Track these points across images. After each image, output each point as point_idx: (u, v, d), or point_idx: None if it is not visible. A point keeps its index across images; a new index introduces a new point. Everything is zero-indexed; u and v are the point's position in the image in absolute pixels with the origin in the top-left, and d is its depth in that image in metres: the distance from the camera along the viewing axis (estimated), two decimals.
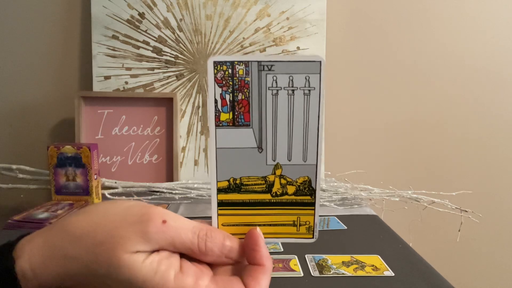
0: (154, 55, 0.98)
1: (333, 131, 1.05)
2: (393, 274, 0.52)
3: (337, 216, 0.76)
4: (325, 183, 0.89)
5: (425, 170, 1.08)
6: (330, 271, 0.53)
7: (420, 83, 1.06)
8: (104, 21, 0.97)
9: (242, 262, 0.31)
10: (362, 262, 0.55)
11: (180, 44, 0.98)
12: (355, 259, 0.57)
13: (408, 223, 0.96)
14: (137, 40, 0.97)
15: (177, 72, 0.99)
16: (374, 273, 0.52)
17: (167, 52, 0.98)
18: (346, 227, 0.70)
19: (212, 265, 0.30)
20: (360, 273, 0.53)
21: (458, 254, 1.11)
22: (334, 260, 0.56)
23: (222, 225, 0.32)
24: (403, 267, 0.54)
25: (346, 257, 0.57)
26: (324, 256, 0.57)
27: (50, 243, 0.28)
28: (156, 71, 0.98)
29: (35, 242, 0.28)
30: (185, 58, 0.99)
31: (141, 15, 0.97)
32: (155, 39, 0.98)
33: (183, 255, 0.29)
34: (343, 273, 0.52)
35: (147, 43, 0.98)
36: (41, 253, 0.27)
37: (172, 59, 0.98)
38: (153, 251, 0.27)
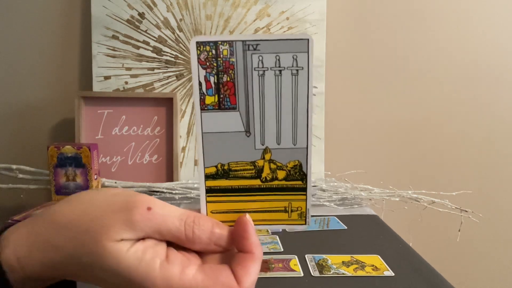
0: (154, 55, 0.98)
1: (333, 131, 1.05)
2: (393, 274, 0.52)
3: (337, 216, 0.76)
4: (325, 183, 0.89)
5: (425, 170, 1.08)
6: (330, 271, 0.53)
7: (420, 83, 1.06)
8: (104, 21, 0.97)
9: (232, 250, 0.30)
10: (362, 262, 0.55)
11: (180, 44, 0.98)
12: (355, 259, 0.56)
13: (408, 223, 0.96)
14: (137, 40, 0.97)
15: (177, 72, 0.99)
16: (374, 273, 0.52)
17: (167, 52, 0.98)
18: (346, 227, 0.70)
19: (200, 253, 0.30)
20: (360, 273, 0.53)
21: (458, 254, 1.11)
22: (334, 260, 0.56)
23: (211, 212, 0.31)
24: (403, 267, 0.54)
25: (346, 257, 0.57)
26: (324, 256, 0.57)
27: (35, 233, 0.27)
28: (156, 71, 0.98)
29: (20, 232, 0.28)
30: (185, 58, 0.99)
31: (141, 15, 0.97)
32: (155, 39, 0.98)
33: (171, 244, 0.28)
34: (343, 273, 0.52)
35: (147, 43, 0.98)
36: (26, 243, 0.27)
37: (172, 59, 0.98)
38: (138, 240, 0.27)
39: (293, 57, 0.29)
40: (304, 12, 0.97)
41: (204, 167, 0.31)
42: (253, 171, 0.31)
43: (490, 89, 1.06)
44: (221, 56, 0.29)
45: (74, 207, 0.28)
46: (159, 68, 0.98)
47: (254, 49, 0.29)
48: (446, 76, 1.06)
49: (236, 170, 0.31)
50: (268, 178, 0.31)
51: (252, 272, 0.28)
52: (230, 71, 0.29)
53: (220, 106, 0.30)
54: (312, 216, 0.58)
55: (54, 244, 0.27)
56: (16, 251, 0.27)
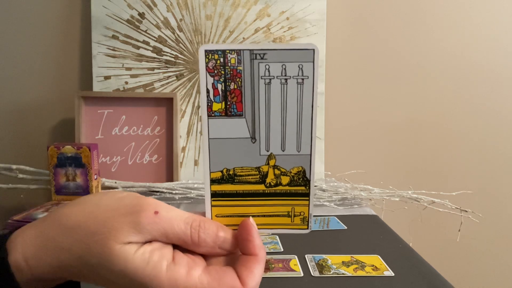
0: (154, 55, 0.98)
1: (333, 131, 1.05)
2: (393, 274, 0.52)
3: (337, 216, 0.76)
4: (325, 183, 0.89)
5: (425, 170, 1.08)
6: (330, 271, 0.53)
7: (420, 83, 1.06)
8: (104, 21, 0.97)
9: (236, 252, 0.31)
10: (362, 262, 0.55)
11: (180, 44, 0.98)
12: (355, 259, 0.57)
13: (408, 223, 0.96)
14: (137, 40, 0.97)
15: (177, 72, 0.99)
16: (374, 273, 0.52)
17: (167, 52, 0.98)
18: (346, 227, 0.70)
19: (205, 256, 0.30)
20: (360, 273, 0.53)
21: (458, 254, 1.11)
22: (334, 260, 0.56)
23: (216, 216, 0.32)
24: (403, 267, 0.54)
25: (346, 257, 0.57)
26: (324, 256, 0.57)
27: (43, 235, 0.28)
28: (156, 71, 0.98)
29: (28, 234, 0.28)
30: (185, 58, 0.99)
31: (141, 15, 0.97)
32: (155, 39, 0.98)
33: (176, 247, 0.29)
34: (343, 273, 0.52)
35: (147, 43, 0.98)
36: (34, 245, 0.27)
37: (172, 59, 0.98)
38: (145, 242, 0.27)
39: (298, 67, 0.30)
40: (304, 12, 0.98)
41: (210, 172, 0.32)
42: (258, 177, 0.32)
43: (490, 89, 1.06)
44: (229, 64, 0.30)
45: (82, 209, 0.28)
46: (159, 68, 0.98)
47: (261, 58, 0.30)
48: (446, 76, 1.06)
49: (241, 175, 0.32)
50: (272, 184, 0.32)
51: (256, 273, 0.29)
52: (237, 79, 0.30)
53: (227, 113, 0.31)
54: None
55: (62, 246, 0.27)
56: (24, 253, 0.27)
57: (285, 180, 0.32)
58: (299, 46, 0.29)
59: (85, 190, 0.79)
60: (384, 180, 0.97)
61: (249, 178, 0.32)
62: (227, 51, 0.30)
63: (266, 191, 0.32)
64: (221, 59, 0.30)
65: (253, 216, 0.32)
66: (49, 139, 1.04)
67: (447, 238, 1.06)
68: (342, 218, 0.75)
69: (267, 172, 0.32)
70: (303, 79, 0.30)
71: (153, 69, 0.98)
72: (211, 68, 0.30)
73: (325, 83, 1.00)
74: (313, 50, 0.29)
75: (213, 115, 0.31)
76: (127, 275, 0.26)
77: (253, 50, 0.30)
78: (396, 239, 0.65)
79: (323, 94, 0.99)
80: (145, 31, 0.97)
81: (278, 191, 0.32)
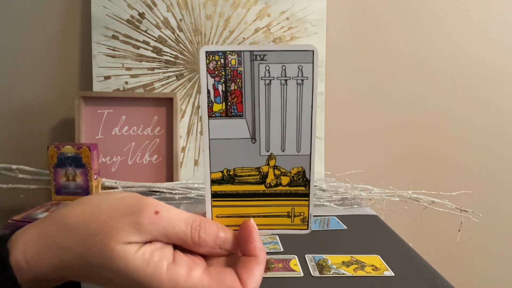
0: (154, 55, 0.98)
1: (333, 131, 1.05)
2: (393, 274, 0.52)
3: (337, 216, 0.76)
4: (325, 183, 0.89)
5: (425, 170, 1.08)
6: (330, 271, 0.53)
7: (420, 83, 1.06)
8: (104, 21, 0.97)
9: (236, 253, 0.31)
10: (362, 262, 0.56)
11: (180, 44, 0.98)
12: (355, 259, 0.57)
13: (408, 223, 0.96)
14: (137, 40, 0.97)
15: (177, 72, 0.99)
16: (374, 273, 0.52)
17: (167, 52, 0.98)
18: (346, 227, 0.70)
19: (206, 257, 0.30)
20: (360, 273, 0.53)
21: (458, 254, 1.11)
22: (334, 260, 0.56)
23: (216, 216, 0.32)
24: (403, 267, 0.54)
25: (346, 257, 0.57)
26: (324, 256, 0.57)
27: (44, 235, 0.28)
28: (156, 71, 0.98)
29: (29, 234, 0.28)
30: (185, 58, 0.99)
31: (141, 15, 0.97)
32: (155, 39, 0.98)
33: (177, 247, 0.29)
34: (343, 273, 0.52)
35: (147, 43, 0.98)
36: (35, 245, 0.27)
37: (172, 59, 0.98)
38: (146, 242, 0.27)
39: (298, 68, 0.30)
40: (304, 12, 0.98)
41: (210, 172, 0.32)
42: (258, 177, 0.32)
43: (490, 89, 1.06)
44: (229, 65, 0.30)
45: (83, 209, 0.28)
46: (159, 68, 0.98)
47: (261, 59, 0.30)
48: (446, 76, 1.06)
49: (241, 176, 0.32)
50: (272, 184, 0.32)
51: (256, 274, 0.29)
52: (238, 80, 0.30)
53: (227, 114, 0.31)
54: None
55: (63, 246, 0.27)
56: (25, 253, 0.27)
57: (285, 180, 0.32)
58: (299, 47, 0.30)
59: (85, 190, 0.79)
60: (384, 180, 0.97)
61: (249, 179, 0.32)
62: (228, 52, 0.30)
63: (266, 192, 0.32)
64: (222, 60, 0.30)
65: (253, 216, 0.32)
66: (49, 139, 1.04)
67: (447, 238, 1.06)
68: (342, 218, 0.75)
69: (267, 172, 0.32)
70: (302, 80, 0.30)
71: (153, 69, 0.98)
72: (212, 69, 0.30)
73: (325, 83, 1.00)
74: (313, 51, 0.30)
75: (213, 115, 0.31)
76: (128, 275, 0.26)
77: (253, 51, 0.30)
78: (396, 239, 0.65)
79: (323, 94, 0.99)
80: (145, 31, 0.97)
81: (278, 192, 0.32)
